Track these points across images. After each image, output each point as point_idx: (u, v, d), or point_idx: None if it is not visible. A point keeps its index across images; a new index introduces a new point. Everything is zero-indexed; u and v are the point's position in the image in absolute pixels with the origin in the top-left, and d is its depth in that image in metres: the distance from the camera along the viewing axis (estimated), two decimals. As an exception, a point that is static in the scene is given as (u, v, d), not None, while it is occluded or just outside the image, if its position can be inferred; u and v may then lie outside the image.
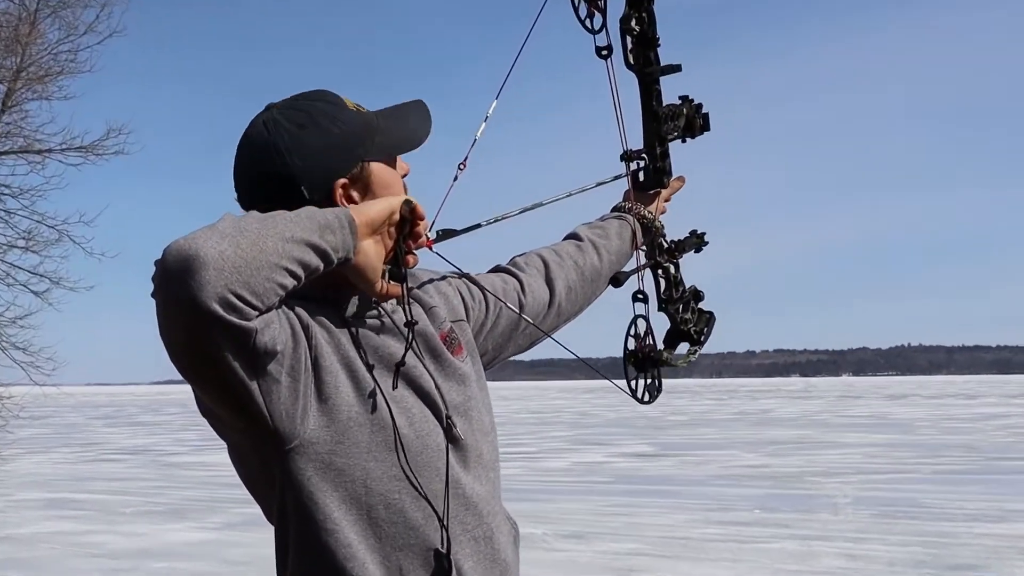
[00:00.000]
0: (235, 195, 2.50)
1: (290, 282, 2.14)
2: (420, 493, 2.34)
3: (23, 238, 19.91)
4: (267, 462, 2.34)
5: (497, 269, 2.97)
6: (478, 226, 2.64)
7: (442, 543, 2.36)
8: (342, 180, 2.41)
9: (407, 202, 2.35)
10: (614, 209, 3.20)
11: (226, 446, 2.44)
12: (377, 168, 2.47)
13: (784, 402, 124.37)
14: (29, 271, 20.70)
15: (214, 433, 2.45)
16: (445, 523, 2.38)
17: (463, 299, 2.76)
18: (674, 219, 3.21)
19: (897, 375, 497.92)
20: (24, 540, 26.32)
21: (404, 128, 2.55)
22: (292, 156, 2.37)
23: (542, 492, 36.89)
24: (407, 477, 2.34)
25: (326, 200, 2.37)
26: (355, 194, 2.43)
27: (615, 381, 3.01)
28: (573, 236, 3.11)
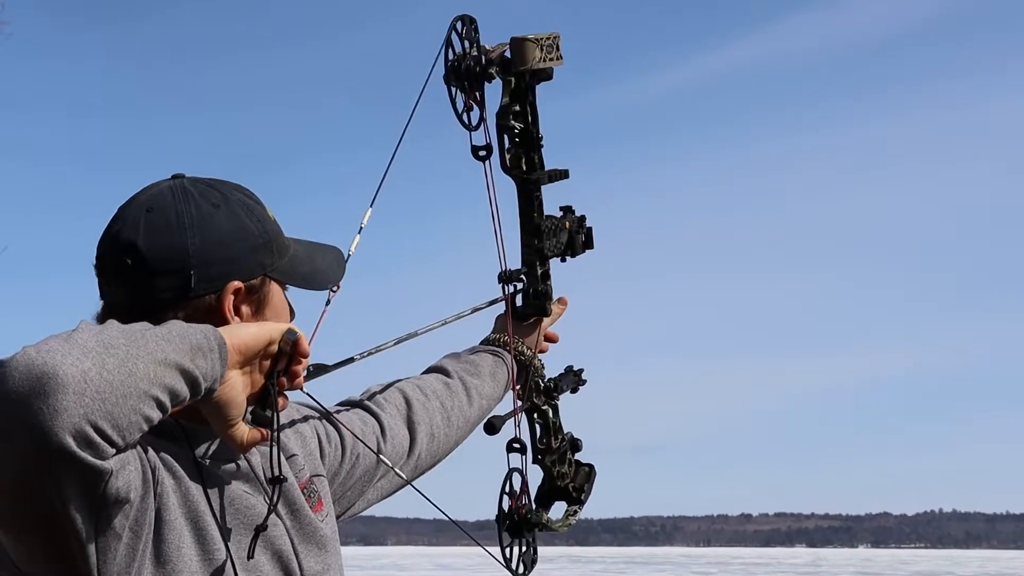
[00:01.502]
0: (94, 263, 2.25)
1: (156, 415, 1.86)
2: None
3: None
4: None
5: (351, 403, 2.79)
6: (351, 360, 2.59)
7: None
8: (237, 283, 2.18)
9: (290, 331, 2.10)
10: (486, 341, 3.08)
11: None
12: (275, 289, 2.29)
13: None
14: None
15: None
16: None
17: (320, 443, 2.56)
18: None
19: (926, 547, 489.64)
20: None
21: (317, 265, 2.42)
22: (194, 232, 2.16)
23: None
24: None
25: (214, 299, 2.16)
26: (245, 308, 2.22)
27: (488, 548, 2.88)
28: (440, 369, 2.97)
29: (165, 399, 1.86)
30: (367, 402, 2.82)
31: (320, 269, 2.45)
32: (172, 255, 2.15)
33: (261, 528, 2.18)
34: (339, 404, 2.82)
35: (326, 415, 2.67)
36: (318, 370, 2.51)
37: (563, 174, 3.00)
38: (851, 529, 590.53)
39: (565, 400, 3.14)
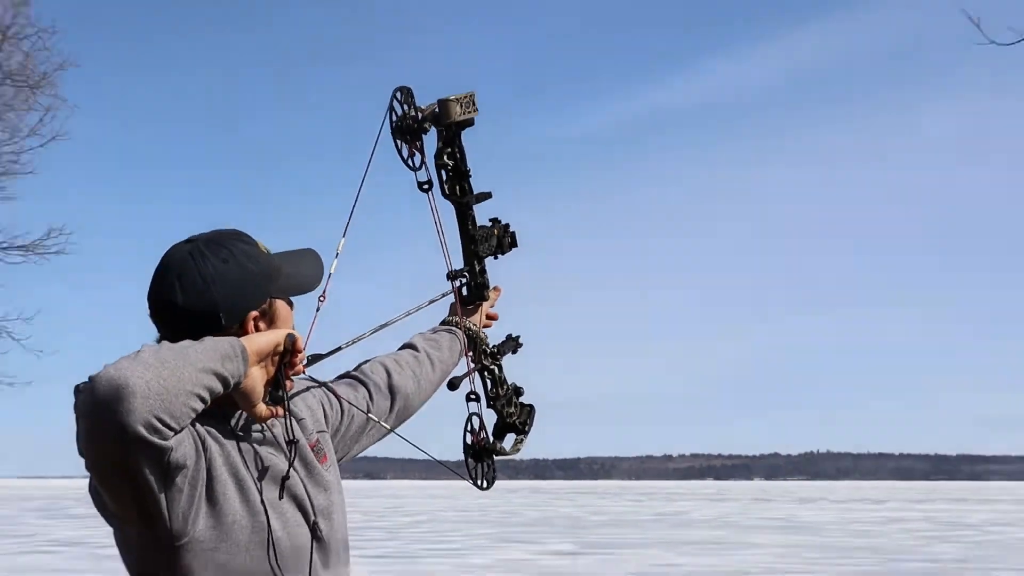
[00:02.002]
0: (148, 311, 2.60)
1: (200, 406, 2.28)
2: None
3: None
4: (157, 553, 2.43)
5: (346, 375, 3.10)
6: (339, 349, 2.81)
7: None
8: (254, 313, 2.56)
9: (290, 335, 2.49)
10: (444, 323, 3.33)
11: (113, 532, 2.53)
12: (279, 304, 2.64)
13: (699, 504, 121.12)
14: None
15: None
16: None
17: (324, 409, 2.89)
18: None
19: (806, 480, 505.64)
20: None
21: (304, 274, 2.72)
22: (216, 286, 2.50)
23: (469, 588, 39.44)
24: (273, 572, 2.47)
25: (239, 329, 2.53)
26: (262, 325, 2.58)
27: (458, 472, 3.18)
28: (411, 346, 3.24)
29: (205, 395, 2.27)
30: (357, 374, 3.12)
31: (306, 275, 2.73)
32: (204, 307, 2.49)
33: (285, 478, 2.54)
34: (338, 377, 3.14)
35: (327, 388, 2.96)
36: (315, 358, 2.77)
37: (487, 195, 3.23)
38: (748, 466, 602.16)
39: (518, 360, 3.35)
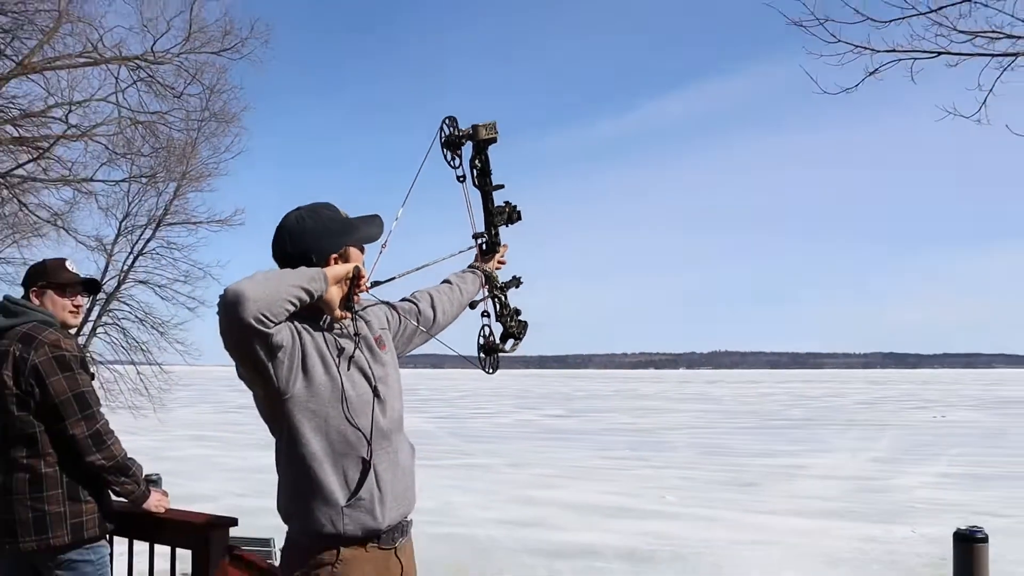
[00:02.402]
0: (271, 252, 2.59)
1: (292, 308, 2.32)
2: (354, 426, 2.45)
3: (183, 275, 18.70)
4: (274, 405, 2.44)
5: (405, 299, 3.00)
6: (392, 279, 2.71)
7: (367, 453, 2.46)
8: (335, 255, 2.54)
9: (356, 267, 2.52)
10: (469, 266, 3.20)
11: (253, 395, 2.50)
12: (352, 250, 2.59)
13: (645, 384, 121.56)
14: (186, 295, 18.94)
15: None
16: (370, 442, 2.47)
17: (387, 318, 2.80)
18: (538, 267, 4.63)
19: (712, 369, 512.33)
20: (178, 460, 26.48)
21: (369, 231, 2.64)
22: (309, 238, 2.52)
23: (497, 437, 37.99)
24: (347, 418, 2.44)
25: (323, 263, 2.50)
26: (339, 262, 2.54)
27: (472, 360, 3.09)
28: (447, 281, 3.12)
29: (296, 301, 2.32)
30: (411, 298, 3.02)
31: (372, 232, 2.66)
32: (301, 251, 2.51)
33: (351, 356, 2.53)
34: (401, 299, 3.01)
35: (391, 305, 2.89)
36: (376, 284, 2.65)
37: (500, 186, 3.11)
38: (675, 360, 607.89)
39: (522, 293, 3.26)
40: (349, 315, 2.57)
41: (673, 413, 53.61)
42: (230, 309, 2.24)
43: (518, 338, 3.25)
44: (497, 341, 3.18)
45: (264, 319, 2.26)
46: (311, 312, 2.48)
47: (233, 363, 2.46)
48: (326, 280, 2.44)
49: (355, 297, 2.57)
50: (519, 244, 3.33)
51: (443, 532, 16.64)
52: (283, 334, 2.36)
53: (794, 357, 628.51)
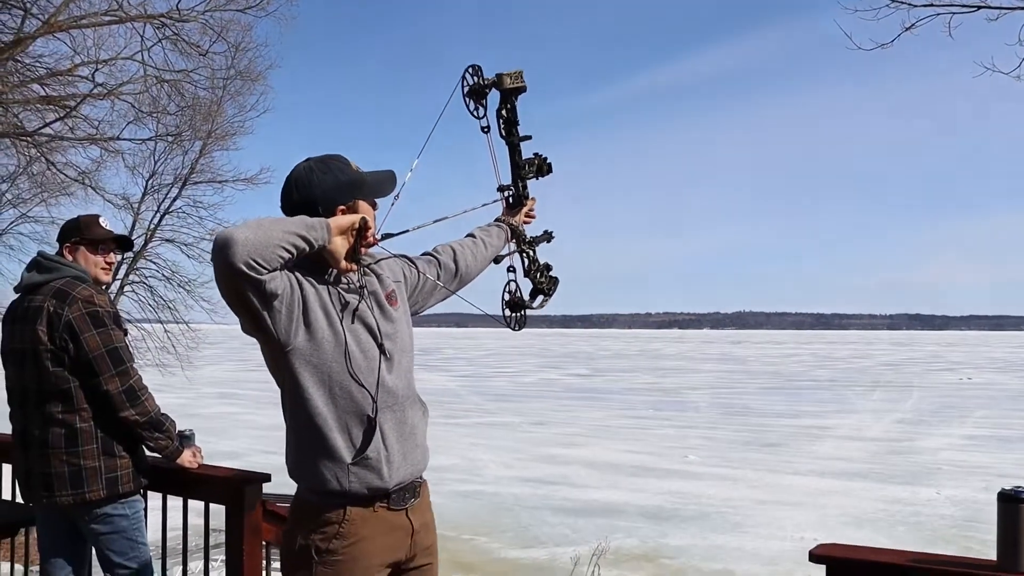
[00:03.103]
0: (279, 203, 2.52)
1: (287, 255, 2.24)
2: (358, 382, 2.39)
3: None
4: (276, 358, 2.40)
5: (426, 253, 2.91)
6: (406, 231, 2.61)
7: (372, 411, 2.40)
8: (342, 207, 2.48)
9: (363, 218, 2.44)
10: (496, 220, 3.12)
11: (260, 348, 2.47)
12: (362, 204, 2.52)
13: (668, 344, 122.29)
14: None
15: None
16: (375, 399, 2.40)
17: (404, 272, 2.72)
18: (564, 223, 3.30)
19: (736, 329, 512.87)
20: (206, 417, 27.20)
21: (380, 185, 2.58)
22: (316, 188, 2.46)
23: (521, 396, 37.92)
24: (351, 374, 2.38)
25: (330, 214, 2.43)
26: (347, 214, 2.47)
27: (496, 317, 3.03)
28: (471, 235, 3.04)
29: (290, 248, 2.24)
30: (433, 252, 2.92)
31: (381, 188, 2.58)
32: (307, 200, 2.45)
33: (355, 310, 2.46)
34: (423, 253, 2.92)
35: (409, 259, 2.79)
36: (386, 236, 2.57)
37: (528, 137, 3.01)
38: (700, 320, 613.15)
39: (573, 236, 3.70)
40: (355, 268, 2.48)
41: (696, 373, 53.60)
42: (219, 253, 2.17)
43: (548, 294, 3.17)
44: (525, 297, 3.09)
45: (255, 264, 2.18)
46: (317, 264, 2.43)
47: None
48: (329, 230, 2.36)
49: (361, 250, 2.48)
50: (544, 201, 3.20)
51: (467, 490, 16.83)
52: (278, 282, 2.29)
53: (819, 318, 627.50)
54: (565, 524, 14.29)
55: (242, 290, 2.24)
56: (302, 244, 2.27)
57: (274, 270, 2.24)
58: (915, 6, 5.83)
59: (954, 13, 5.78)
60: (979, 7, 5.72)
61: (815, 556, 2.33)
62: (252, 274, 2.19)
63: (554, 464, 20.02)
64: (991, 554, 2.25)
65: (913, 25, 5.88)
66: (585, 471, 19.12)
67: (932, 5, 5.79)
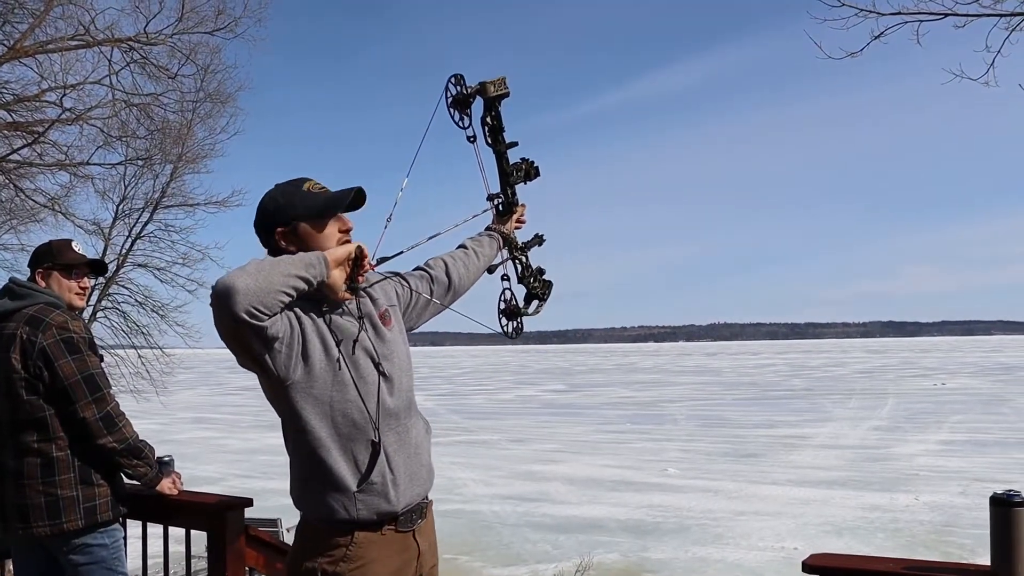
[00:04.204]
0: (259, 237, 2.52)
1: (287, 299, 2.24)
2: (359, 408, 2.38)
3: (181, 257, 18.43)
4: (276, 391, 2.37)
5: (417, 268, 2.88)
6: (400, 252, 2.59)
7: (375, 435, 2.39)
8: (318, 228, 2.43)
9: (359, 247, 2.42)
10: (487, 228, 3.08)
11: (258, 379, 2.43)
12: (303, 226, 2.43)
13: (644, 357, 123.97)
14: (185, 278, 18.58)
15: None
16: (377, 424, 2.40)
17: (396, 292, 2.70)
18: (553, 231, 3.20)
19: (711, 341, 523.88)
20: (181, 443, 27.16)
21: (345, 196, 2.48)
22: (287, 209, 2.43)
23: (499, 413, 38.21)
24: (351, 400, 2.37)
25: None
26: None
27: (492, 328, 2.98)
28: (462, 246, 3.01)
29: (291, 291, 2.24)
30: (424, 266, 2.89)
31: (350, 202, 2.47)
32: (281, 223, 2.43)
33: (355, 339, 2.43)
34: (414, 268, 2.89)
35: (401, 277, 2.76)
36: (382, 260, 2.54)
37: (514, 144, 2.98)
38: (674, 332, 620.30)
39: (545, 252, 3.15)
40: (353, 297, 2.45)
41: (673, 386, 53.66)
42: (221, 303, 2.15)
43: (542, 299, 3.14)
44: (520, 304, 3.06)
45: (256, 312, 2.17)
46: (312, 295, 2.37)
47: None
48: (327, 263, 2.33)
49: (359, 278, 2.45)
50: (532, 207, 3.15)
51: (448, 509, 16.76)
52: (279, 325, 2.27)
53: (793, 327, 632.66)
54: (547, 540, 14.27)
55: (243, 336, 2.22)
56: (302, 285, 2.26)
57: (275, 315, 2.22)
58: (883, 14, 5.88)
59: (922, 21, 5.84)
60: (946, 15, 5.78)
61: (808, 567, 2.30)
62: (254, 323, 2.17)
63: (534, 481, 20.17)
64: (971, 558, 2.25)
65: (882, 33, 5.93)
66: (565, 487, 19.26)
67: (900, 13, 5.85)
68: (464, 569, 12.88)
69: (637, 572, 12.71)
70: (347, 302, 2.46)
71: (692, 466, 22.06)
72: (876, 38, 5.99)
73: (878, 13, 5.90)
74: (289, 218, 2.44)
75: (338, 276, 2.38)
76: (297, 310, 2.35)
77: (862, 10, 5.99)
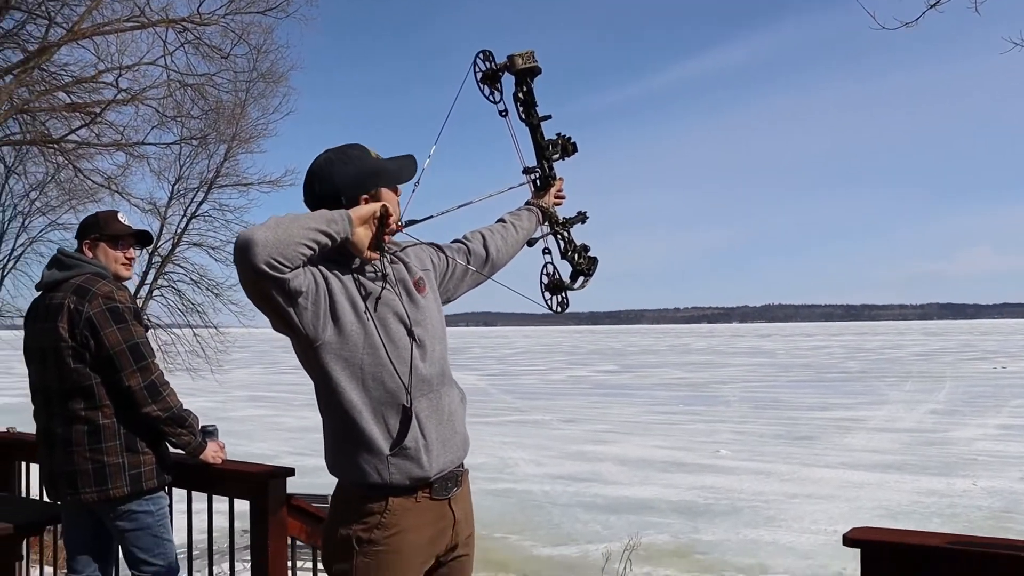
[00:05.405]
0: (303, 198, 2.50)
1: (309, 252, 2.22)
2: (390, 371, 2.36)
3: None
4: (307, 353, 2.37)
5: (456, 240, 2.86)
6: (431, 216, 2.60)
7: (407, 400, 2.37)
8: (364, 196, 2.45)
9: (384, 206, 2.41)
10: (526, 203, 3.06)
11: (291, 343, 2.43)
12: (384, 191, 2.49)
13: (697, 339, 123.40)
14: None
15: None
16: (409, 387, 2.38)
17: (432, 259, 2.69)
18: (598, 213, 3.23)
19: (765, 322, 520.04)
20: (236, 420, 27.43)
21: (400, 171, 2.54)
22: (337, 179, 2.43)
23: (550, 393, 38.36)
24: (382, 364, 2.36)
25: (353, 204, 2.41)
26: (369, 202, 2.45)
27: (536, 301, 2.97)
28: (501, 220, 2.99)
29: (312, 244, 2.22)
30: (462, 239, 2.87)
31: (401, 173, 2.53)
32: (332, 191, 2.42)
33: (378, 297, 2.41)
34: (452, 240, 2.87)
35: (437, 247, 2.75)
36: (409, 223, 2.54)
37: (548, 117, 2.97)
38: (728, 314, 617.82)
39: (595, 232, 3.14)
40: (379, 256, 2.44)
41: (726, 367, 53.64)
42: (241, 255, 2.15)
43: (588, 275, 3.11)
44: (565, 279, 3.04)
45: (276, 264, 2.15)
46: (341, 255, 2.39)
47: None
48: (350, 221, 2.32)
49: (385, 238, 2.44)
50: (571, 187, 3.08)
51: (499, 488, 16.83)
52: (302, 279, 2.25)
53: (848, 309, 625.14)
54: (597, 521, 14.25)
55: (266, 290, 2.21)
56: (324, 239, 2.24)
57: (296, 268, 2.21)
58: (941, -19, 5.68)
59: (982, -13, 5.63)
60: (1007, -19, 5.58)
61: (849, 540, 2.25)
62: (274, 274, 2.16)
63: (585, 461, 20.09)
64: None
65: (938, 2, 5.76)
66: (616, 467, 19.20)
67: (959, -20, 5.65)
68: (514, 548, 12.91)
69: (688, 553, 12.65)
70: (374, 262, 2.44)
71: (744, 448, 21.89)
72: (932, 7, 5.81)
73: (935, -20, 5.72)
74: (372, 185, 2.46)
75: (363, 234, 2.36)
76: (323, 268, 2.34)
77: (918, -24, 5.81)
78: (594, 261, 3.13)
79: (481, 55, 2.89)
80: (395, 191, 2.54)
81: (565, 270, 3.07)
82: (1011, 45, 5.66)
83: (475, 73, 2.89)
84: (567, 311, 3.07)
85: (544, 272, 3.02)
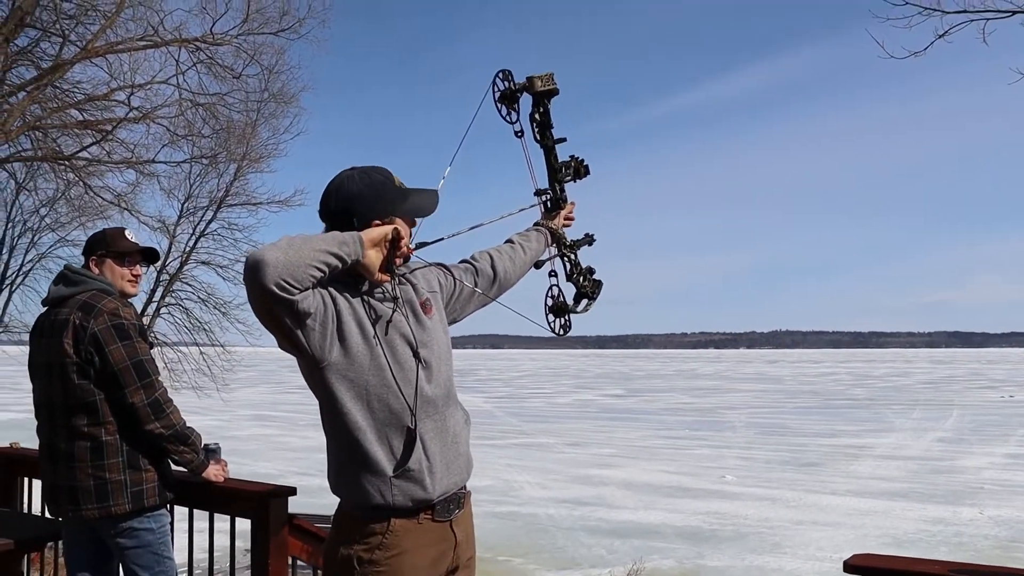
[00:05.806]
0: (318, 209, 2.50)
1: (319, 274, 2.22)
2: (396, 393, 2.36)
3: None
4: (312, 373, 2.36)
5: (463, 261, 2.86)
6: (441, 239, 2.60)
7: (411, 421, 2.36)
8: (377, 220, 2.42)
9: (395, 230, 2.39)
10: (535, 224, 3.07)
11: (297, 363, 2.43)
12: (399, 220, 2.47)
13: (704, 364, 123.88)
14: None
15: None
16: (413, 409, 2.37)
17: (439, 281, 2.69)
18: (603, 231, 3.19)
19: (772, 348, 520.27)
20: (241, 439, 27.26)
21: (421, 203, 2.52)
22: (356, 199, 2.43)
23: (556, 417, 38.15)
24: (388, 386, 2.35)
25: (364, 227, 2.40)
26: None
27: (540, 323, 2.98)
28: (509, 240, 3.00)
29: (322, 266, 2.21)
30: (470, 259, 2.87)
31: (422, 207, 2.52)
32: (347, 210, 2.42)
33: (389, 320, 2.40)
34: (460, 261, 2.87)
35: (445, 267, 2.75)
36: (420, 245, 2.54)
37: (562, 140, 2.97)
38: (735, 339, 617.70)
39: (603, 255, 3.18)
40: (389, 279, 2.43)
41: (733, 393, 53.59)
42: (250, 275, 2.14)
43: (592, 298, 3.11)
44: (568, 302, 3.03)
45: (286, 285, 2.14)
46: (351, 276, 2.38)
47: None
48: (362, 243, 2.31)
49: (395, 261, 2.42)
50: (582, 208, 3.08)
51: (503, 511, 16.75)
52: (311, 301, 2.24)
53: (856, 336, 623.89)
54: (601, 545, 14.17)
55: (274, 310, 2.20)
56: (334, 262, 2.24)
57: (306, 289, 2.20)
58: (948, 12, 5.75)
59: (988, 19, 5.69)
60: (1014, 12, 5.62)
61: (849, 566, 2.24)
62: (284, 295, 2.15)
63: (590, 485, 19.98)
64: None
65: (947, 32, 5.79)
66: (621, 492, 19.07)
67: (965, 11, 5.71)
68: (518, 571, 12.84)
69: (692, 579, 12.56)
70: (384, 284, 2.43)
71: (750, 474, 21.75)
72: (940, 37, 5.86)
73: (942, 11, 5.79)
74: (388, 212, 2.44)
75: (374, 256, 2.35)
76: (333, 290, 2.34)
77: (926, 8, 5.88)
78: (598, 284, 3.13)
79: (500, 74, 2.89)
80: (411, 223, 2.53)
81: (569, 292, 3.08)
82: (1018, 76, 5.68)
83: (494, 92, 2.89)
84: (572, 334, 3.09)
85: (549, 294, 3.02)
